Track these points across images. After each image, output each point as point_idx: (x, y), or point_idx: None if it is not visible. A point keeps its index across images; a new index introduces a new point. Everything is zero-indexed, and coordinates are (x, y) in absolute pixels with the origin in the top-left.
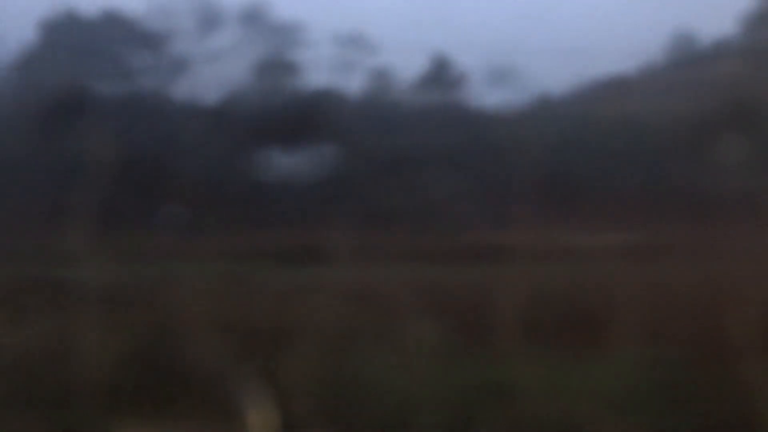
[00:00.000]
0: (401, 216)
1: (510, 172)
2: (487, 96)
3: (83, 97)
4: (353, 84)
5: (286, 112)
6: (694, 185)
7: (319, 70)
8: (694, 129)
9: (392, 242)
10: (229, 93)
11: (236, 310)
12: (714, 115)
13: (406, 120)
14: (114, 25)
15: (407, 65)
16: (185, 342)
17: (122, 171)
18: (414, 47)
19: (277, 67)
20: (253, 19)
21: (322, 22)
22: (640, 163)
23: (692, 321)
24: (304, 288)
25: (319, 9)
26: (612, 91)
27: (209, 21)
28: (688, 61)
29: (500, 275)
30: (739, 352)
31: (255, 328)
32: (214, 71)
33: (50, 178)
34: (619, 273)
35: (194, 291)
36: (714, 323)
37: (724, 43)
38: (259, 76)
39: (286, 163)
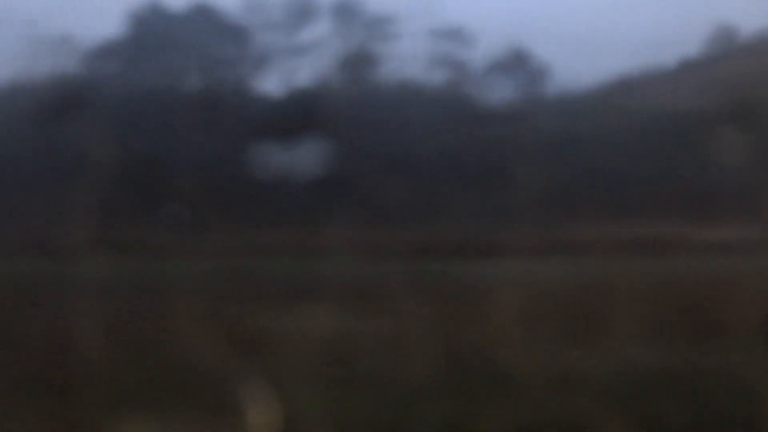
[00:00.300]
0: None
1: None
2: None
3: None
4: (437, 76)
5: (358, 105)
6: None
7: (407, 63)
8: (735, 121)
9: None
10: (310, 86)
11: (239, 309)
12: (756, 107)
13: (479, 111)
14: (203, 18)
15: (492, 57)
16: (187, 340)
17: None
18: (499, 38)
19: (360, 60)
20: (346, 12)
21: (416, 15)
22: (684, 156)
23: None
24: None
25: (415, 1)
26: (652, 83)
27: (301, 14)
28: (729, 54)
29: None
30: None
31: (256, 327)
32: (300, 65)
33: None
34: None
35: (198, 289)
36: None
37: (766, 36)
38: (343, 69)
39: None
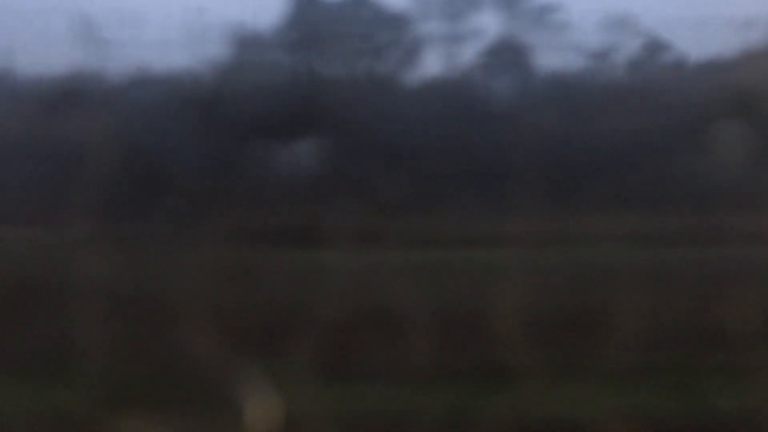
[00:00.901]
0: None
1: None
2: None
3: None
4: (585, 66)
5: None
6: None
7: (564, 53)
8: None
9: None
10: (456, 75)
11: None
12: None
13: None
14: (360, 6)
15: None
16: (186, 336)
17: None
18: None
19: (512, 50)
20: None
21: (584, 4)
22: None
23: None
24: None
25: None
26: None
27: (462, 2)
28: None
29: None
30: None
31: (257, 319)
32: (455, 54)
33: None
34: None
35: (198, 281)
36: None
37: None
38: (493, 59)
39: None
